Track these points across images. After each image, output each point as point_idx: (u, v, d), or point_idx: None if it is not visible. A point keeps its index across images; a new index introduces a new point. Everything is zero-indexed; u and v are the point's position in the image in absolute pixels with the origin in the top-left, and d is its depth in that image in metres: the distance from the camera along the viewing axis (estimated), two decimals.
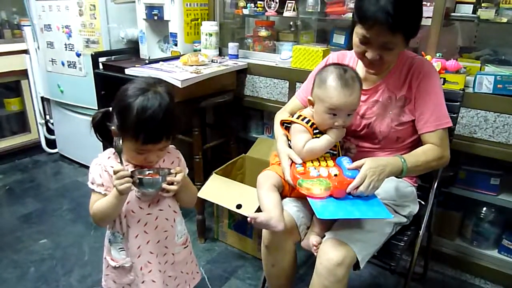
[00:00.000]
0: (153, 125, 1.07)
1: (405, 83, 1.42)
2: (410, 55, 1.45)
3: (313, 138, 1.35)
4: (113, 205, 1.12)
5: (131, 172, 1.12)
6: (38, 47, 3.16)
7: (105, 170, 1.17)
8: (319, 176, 1.27)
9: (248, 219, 1.29)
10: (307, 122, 1.37)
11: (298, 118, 1.40)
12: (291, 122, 1.41)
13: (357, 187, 1.22)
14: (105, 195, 1.16)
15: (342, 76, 1.30)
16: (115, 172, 1.08)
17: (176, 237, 1.30)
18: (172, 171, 1.17)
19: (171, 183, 1.15)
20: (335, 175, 1.26)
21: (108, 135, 1.17)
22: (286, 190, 1.46)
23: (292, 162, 1.35)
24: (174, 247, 1.30)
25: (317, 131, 1.36)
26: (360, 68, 1.48)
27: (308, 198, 1.25)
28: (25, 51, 3.24)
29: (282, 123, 1.46)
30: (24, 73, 3.28)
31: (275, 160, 1.51)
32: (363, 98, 1.47)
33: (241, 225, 2.18)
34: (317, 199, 1.23)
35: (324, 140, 1.33)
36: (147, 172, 1.16)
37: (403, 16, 1.23)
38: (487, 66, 1.86)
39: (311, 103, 1.37)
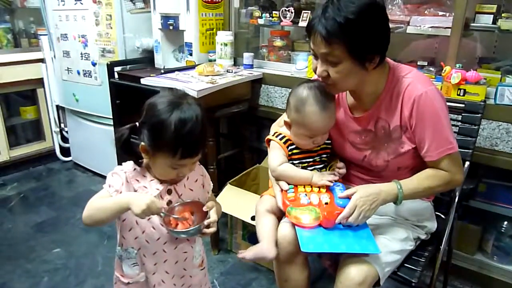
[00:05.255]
0: (192, 138, 1.05)
1: (397, 111, 1.29)
2: (401, 74, 1.29)
3: (287, 154, 1.37)
4: (114, 207, 1.06)
5: (166, 215, 1.11)
6: (54, 56, 3.19)
7: (127, 181, 1.12)
8: (309, 203, 1.26)
9: (238, 260, 1.30)
10: (281, 139, 1.39)
11: (274, 134, 1.42)
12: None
13: (347, 218, 1.20)
14: None
15: (319, 98, 1.28)
16: (153, 202, 1.04)
17: (194, 258, 1.26)
18: (204, 208, 1.16)
19: (208, 226, 1.15)
20: (326, 203, 1.25)
21: (132, 150, 1.13)
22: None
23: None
24: (192, 268, 1.26)
25: (292, 147, 1.38)
26: (349, 95, 1.41)
27: (295, 227, 1.24)
28: (42, 60, 3.28)
29: (268, 142, 1.46)
30: (40, 82, 3.31)
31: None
32: (355, 128, 1.39)
33: (255, 236, 2.14)
34: (305, 228, 1.22)
35: (304, 175, 1.34)
36: (176, 208, 1.15)
37: (337, 26, 1.13)
38: (508, 77, 1.82)
39: (288, 125, 1.37)
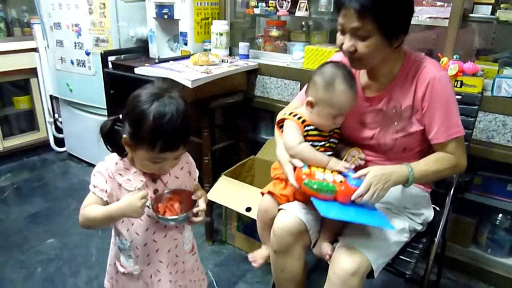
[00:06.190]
0: (171, 131, 1.02)
1: (410, 91, 1.31)
2: (417, 58, 1.34)
3: (304, 135, 1.36)
4: (107, 220, 1.09)
5: (154, 203, 1.10)
6: (48, 45, 3.14)
7: (110, 176, 1.11)
8: (324, 180, 1.26)
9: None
10: (298, 119, 1.38)
11: (290, 114, 1.41)
12: (283, 120, 1.42)
13: (362, 196, 1.20)
14: (106, 202, 1.11)
15: (347, 76, 1.30)
16: (142, 197, 1.05)
17: (184, 244, 1.27)
18: (193, 197, 1.16)
19: (197, 214, 1.15)
20: (340, 181, 1.25)
21: (116, 142, 1.12)
22: (289, 195, 1.44)
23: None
24: (184, 255, 1.26)
25: (308, 128, 1.37)
26: (362, 75, 1.43)
27: (312, 198, 1.24)
28: (35, 49, 3.23)
29: (279, 124, 1.45)
30: (33, 71, 3.27)
31: (275, 173, 1.49)
32: (366, 107, 1.40)
33: (250, 228, 2.14)
34: (321, 199, 1.22)
35: (321, 158, 1.33)
36: (164, 196, 1.14)
37: (371, 1, 1.15)
38: (505, 69, 1.81)
39: (311, 104, 1.35)
